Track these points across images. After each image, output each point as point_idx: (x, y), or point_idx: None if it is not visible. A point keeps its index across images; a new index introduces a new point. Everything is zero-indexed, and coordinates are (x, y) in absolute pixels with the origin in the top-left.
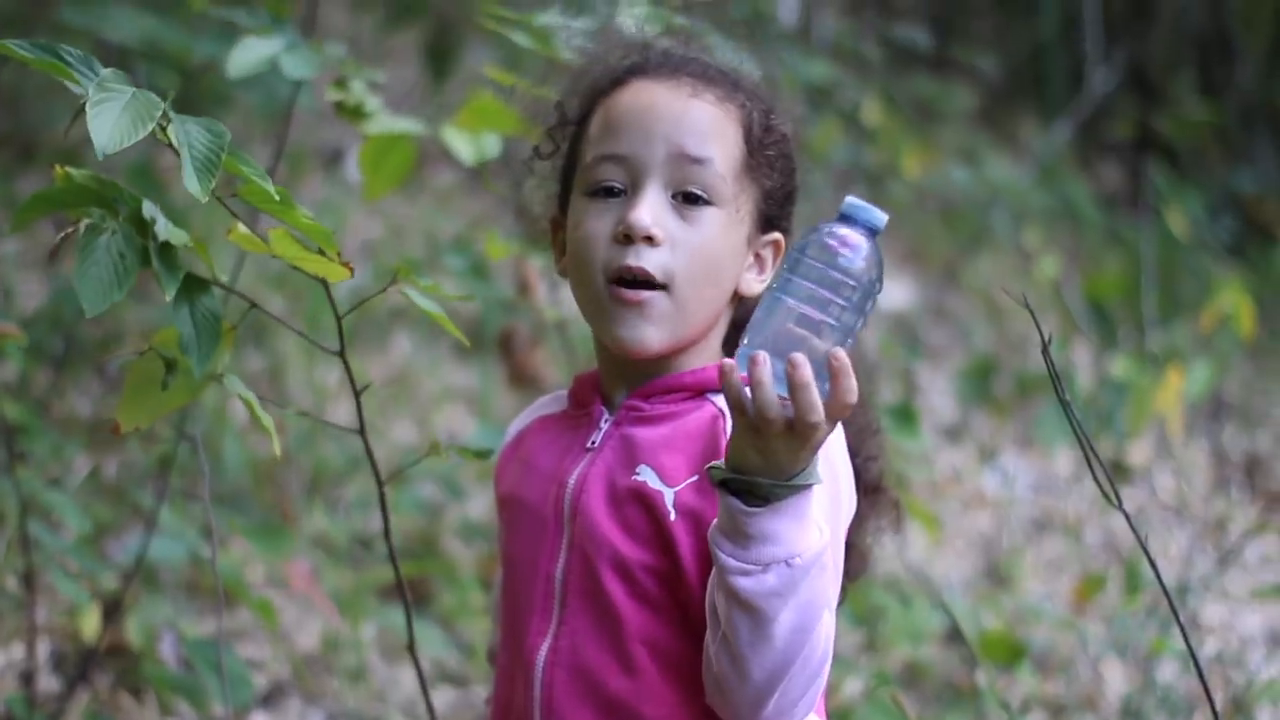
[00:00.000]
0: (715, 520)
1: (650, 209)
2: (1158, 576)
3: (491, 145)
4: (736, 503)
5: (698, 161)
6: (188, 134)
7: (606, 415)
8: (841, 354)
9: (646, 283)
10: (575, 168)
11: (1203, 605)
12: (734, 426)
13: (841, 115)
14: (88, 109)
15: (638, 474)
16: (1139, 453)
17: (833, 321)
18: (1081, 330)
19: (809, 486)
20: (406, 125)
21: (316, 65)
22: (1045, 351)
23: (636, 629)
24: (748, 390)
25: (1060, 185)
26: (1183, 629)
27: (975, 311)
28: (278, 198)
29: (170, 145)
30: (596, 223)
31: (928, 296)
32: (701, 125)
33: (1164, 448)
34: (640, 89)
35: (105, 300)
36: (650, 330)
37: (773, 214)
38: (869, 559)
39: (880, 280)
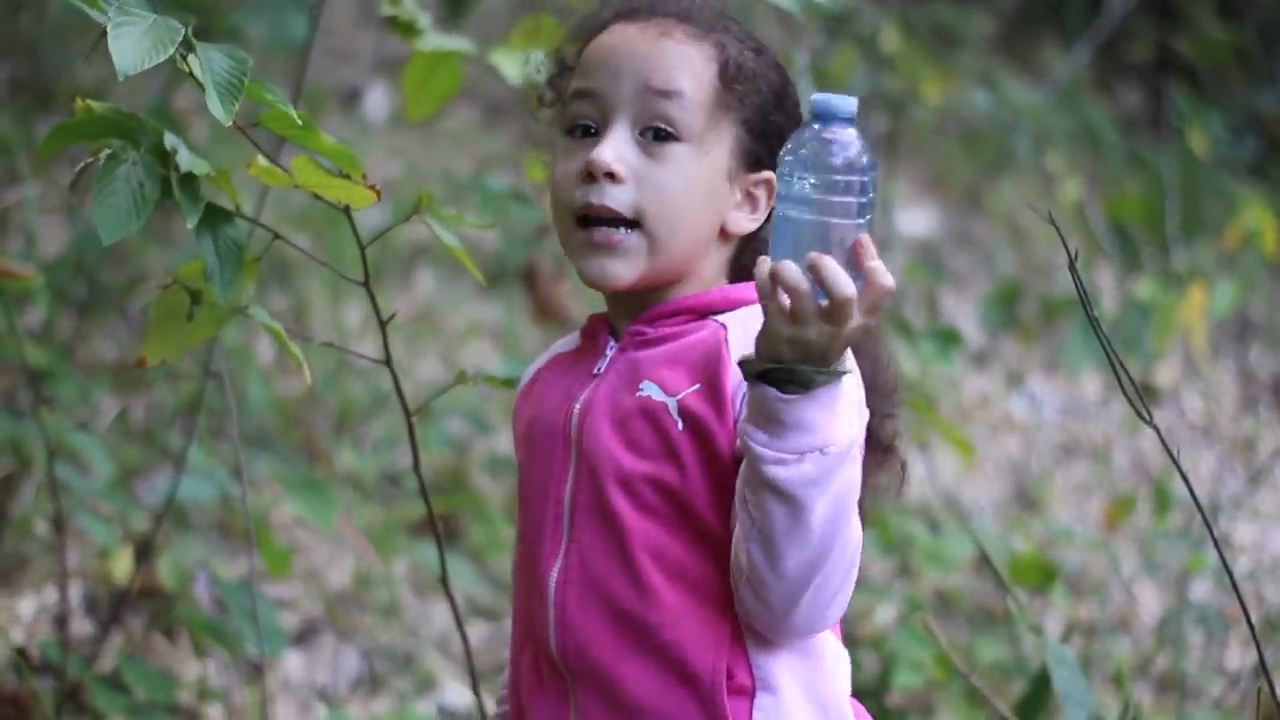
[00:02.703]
0: (745, 414)
1: (613, 146)
2: (1191, 492)
3: (540, 65)
4: (774, 391)
5: (664, 95)
6: (210, 60)
7: (612, 343)
8: (865, 240)
9: (614, 220)
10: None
11: (1234, 525)
12: (766, 319)
13: (860, 42)
14: (109, 31)
15: (641, 389)
16: (1166, 374)
17: (845, 221)
18: (1105, 252)
19: (843, 375)
20: (457, 43)
21: None
22: (1072, 268)
23: (642, 541)
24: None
25: (1080, 108)
26: (1218, 546)
27: (998, 236)
28: (300, 123)
29: (191, 75)
30: (568, 163)
31: (950, 222)
32: (669, 60)
33: (1190, 369)
34: (616, 30)
35: (123, 229)
36: (619, 265)
37: (759, 152)
38: (868, 518)
39: (874, 160)
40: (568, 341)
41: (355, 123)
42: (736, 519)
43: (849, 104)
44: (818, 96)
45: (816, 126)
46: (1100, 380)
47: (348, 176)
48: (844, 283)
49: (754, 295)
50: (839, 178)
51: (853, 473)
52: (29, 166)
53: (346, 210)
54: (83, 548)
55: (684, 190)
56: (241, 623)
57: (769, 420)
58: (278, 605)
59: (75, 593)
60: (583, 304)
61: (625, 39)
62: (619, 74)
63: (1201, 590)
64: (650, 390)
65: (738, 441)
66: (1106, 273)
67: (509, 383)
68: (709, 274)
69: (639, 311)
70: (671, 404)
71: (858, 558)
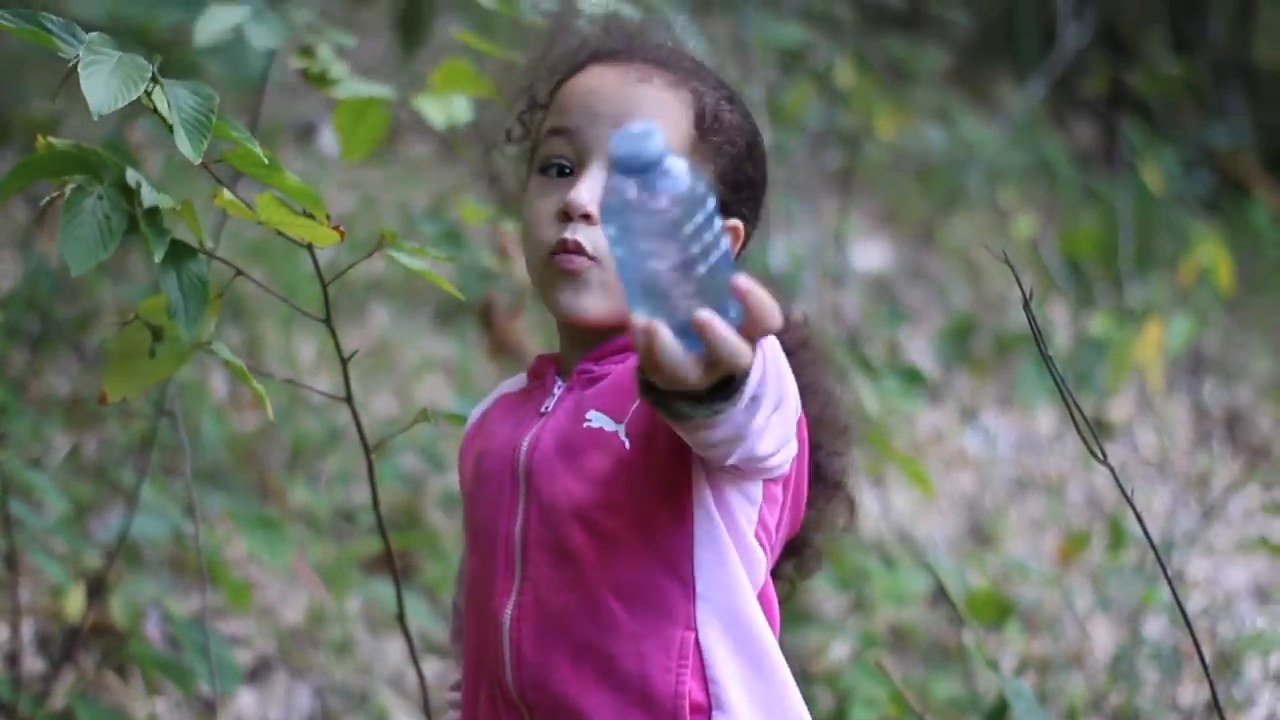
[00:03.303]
0: (668, 416)
1: (588, 189)
2: (1144, 530)
3: (462, 110)
4: (700, 418)
5: None
6: (176, 97)
7: (560, 383)
8: (744, 281)
9: (580, 252)
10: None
11: (1187, 560)
12: (647, 370)
13: (814, 77)
14: (80, 71)
15: (588, 420)
16: (1120, 409)
17: (715, 257)
18: (1059, 288)
19: (747, 374)
20: (375, 90)
21: (283, 33)
22: (1027, 306)
23: (599, 572)
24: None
25: (1034, 143)
26: (1170, 583)
27: (952, 271)
28: (266, 162)
29: (155, 110)
30: (542, 202)
31: (904, 257)
32: (647, 108)
33: (1144, 404)
34: (594, 73)
35: (90, 259)
36: (587, 297)
37: (727, 200)
38: (821, 558)
39: (700, 177)
40: (514, 382)
41: (310, 157)
42: None
43: (652, 149)
44: (615, 145)
45: (625, 179)
46: (1054, 415)
47: (311, 215)
48: (740, 351)
49: None
50: (670, 218)
51: (776, 370)
52: None
53: (310, 248)
54: (34, 585)
55: None
56: (194, 660)
57: (703, 425)
58: (231, 642)
59: (27, 630)
60: (538, 341)
61: (603, 82)
62: (596, 117)
63: (1155, 626)
64: (599, 420)
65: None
66: (1060, 308)
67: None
68: None
69: (589, 346)
70: (620, 430)
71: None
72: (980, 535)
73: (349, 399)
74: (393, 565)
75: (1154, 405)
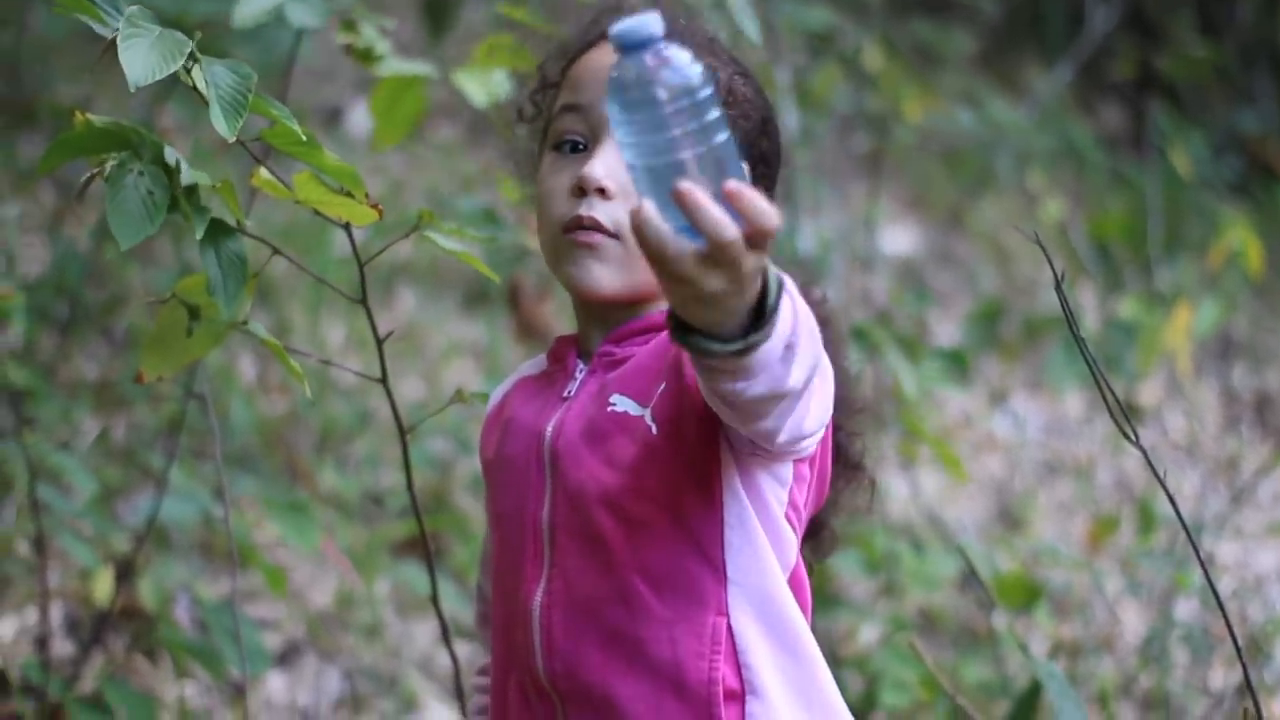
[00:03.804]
0: (700, 369)
1: (604, 162)
2: (1177, 512)
3: (502, 85)
4: (732, 359)
5: None
6: (214, 74)
7: (581, 366)
8: (733, 182)
9: (598, 229)
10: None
11: (1217, 544)
12: (664, 289)
13: (842, 61)
14: (119, 43)
15: (613, 404)
16: (1149, 393)
17: (697, 149)
18: (1087, 271)
19: (775, 320)
20: (416, 68)
21: (324, 13)
22: (1059, 288)
23: (628, 558)
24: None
25: (1062, 127)
26: (1203, 564)
27: (981, 255)
28: (305, 139)
29: (194, 88)
30: (556, 178)
31: (932, 241)
32: None
33: (1174, 388)
34: (606, 49)
35: (139, 233)
36: (602, 270)
37: None
38: (838, 540)
39: (705, 71)
40: (533, 364)
41: (337, 141)
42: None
43: (654, 22)
44: (615, 30)
45: (628, 61)
46: (1083, 399)
47: (349, 194)
48: (722, 224)
49: None
50: (672, 108)
51: (806, 321)
52: (9, 185)
53: (347, 227)
54: (64, 568)
55: None
56: (223, 643)
57: (736, 372)
58: (260, 626)
59: (56, 614)
60: (565, 323)
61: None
62: None
63: (1185, 609)
64: (623, 404)
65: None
66: (1089, 292)
67: None
68: None
69: (610, 329)
70: (646, 414)
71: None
72: (1009, 519)
73: (384, 380)
74: (426, 548)
75: (1183, 389)
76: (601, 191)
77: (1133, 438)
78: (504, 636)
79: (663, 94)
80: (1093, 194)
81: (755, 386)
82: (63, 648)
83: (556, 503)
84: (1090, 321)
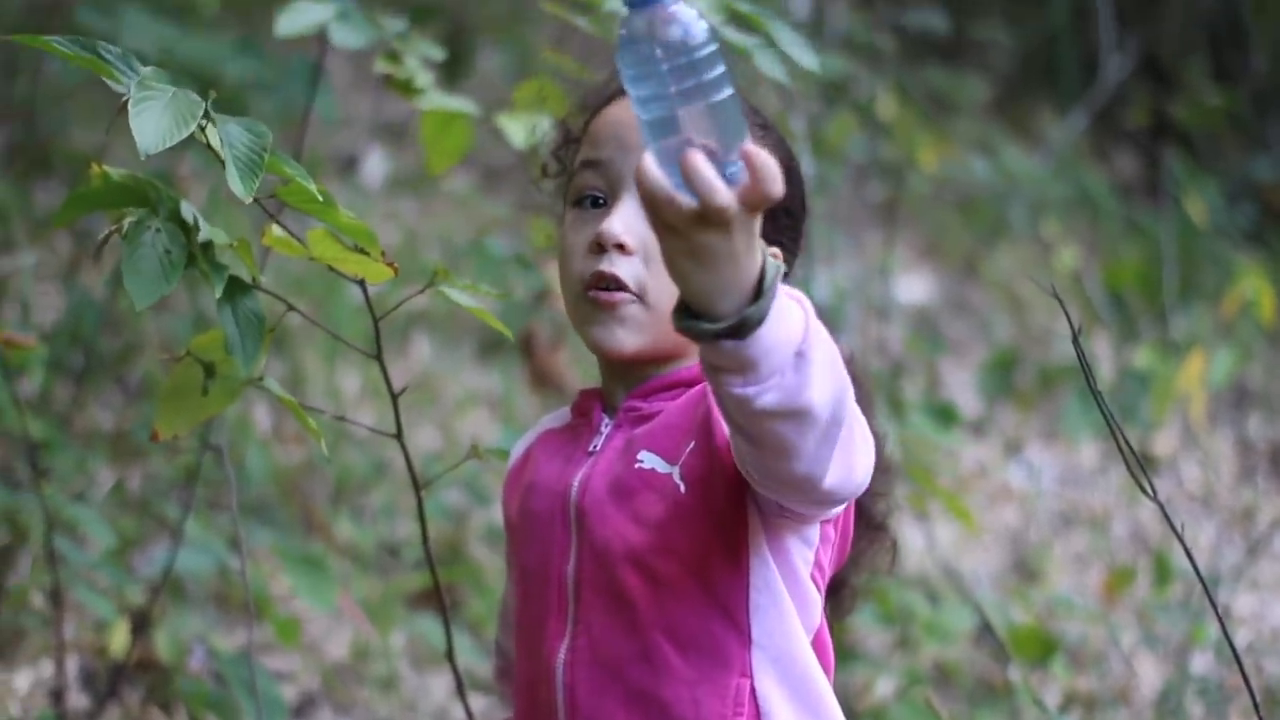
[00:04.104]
0: (706, 369)
1: (622, 218)
2: (1194, 566)
3: (544, 128)
4: (730, 344)
5: None
6: (229, 134)
7: (606, 420)
8: (750, 144)
9: (619, 286)
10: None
11: (1233, 596)
12: (661, 248)
13: (856, 109)
14: (130, 108)
15: (640, 461)
16: (1163, 443)
17: (699, 103)
18: (1102, 320)
19: (774, 293)
20: (459, 104)
21: (368, 36)
22: (1075, 341)
23: (654, 617)
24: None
25: (1077, 175)
26: (1220, 618)
27: (995, 304)
28: (320, 198)
29: (209, 146)
30: (576, 235)
31: (947, 289)
32: None
33: (1188, 438)
34: (625, 104)
35: (155, 293)
36: (623, 333)
37: (767, 230)
38: (858, 599)
39: (708, 29)
40: (557, 417)
41: (352, 187)
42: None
43: None
44: None
45: (641, 13)
46: (1098, 448)
47: (363, 251)
48: (714, 187)
49: None
50: (680, 59)
51: (824, 339)
52: (26, 233)
53: (362, 283)
54: (79, 620)
55: None
56: (240, 695)
57: (736, 367)
58: (276, 678)
59: (72, 666)
60: (580, 373)
61: (633, 114)
62: (628, 146)
63: (1201, 662)
64: (651, 461)
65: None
66: (1103, 341)
67: None
68: None
69: (635, 384)
70: (675, 472)
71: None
72: (1025, 570)
73: (399, 435)
74: (442, 603)
75: (1198, 439)
76: (621, 247)
77: (1150, 492)
78: (527, 693)
79: (662, 50)
80: (1107, 242)
81: (766, 394)
82: (78, 700)
83: (582, 559)
84: (1105, 370)
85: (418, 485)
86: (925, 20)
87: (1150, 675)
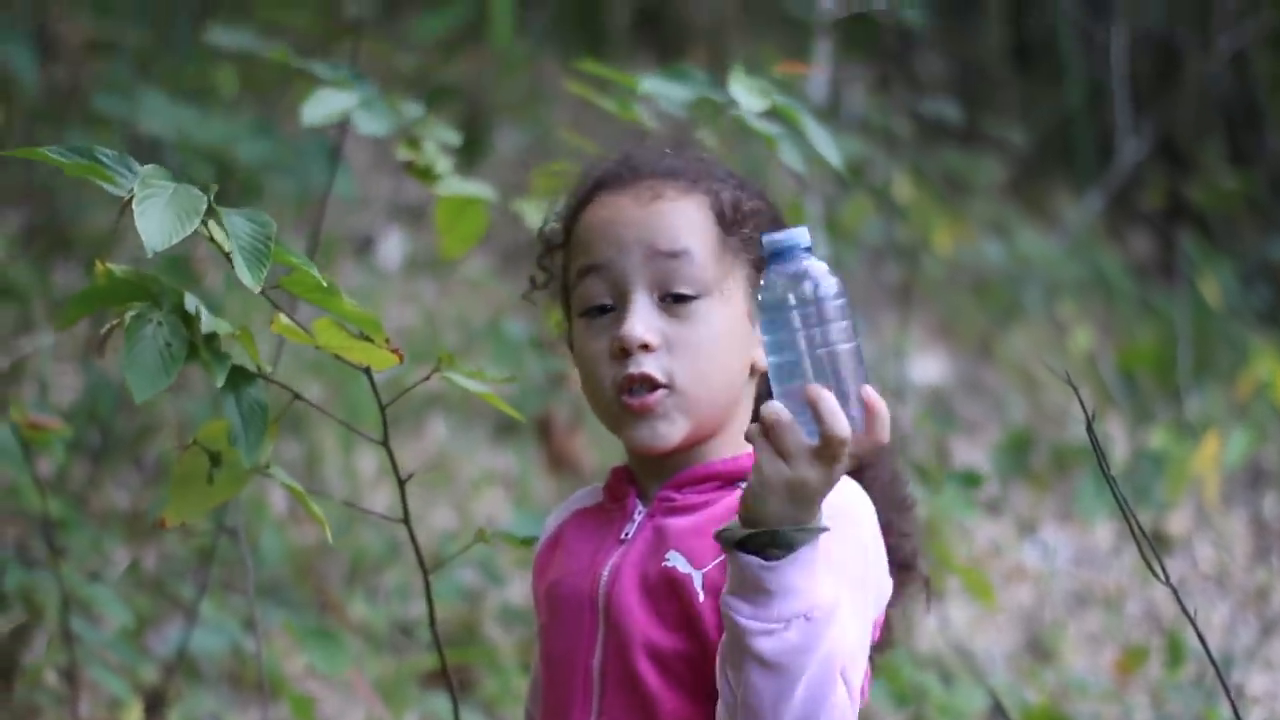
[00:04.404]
0: (726, 586)
1: (640, 319)
2: (1205, 648)
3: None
4: (756, 560)
5: (674, 256)
6: (233, 226)
7: (640, 507)
8: (870, 390)
9: (653, 386)
10: (569, 290)
11: (1247, 676)
12: (755, 466)
13: (873, 192)
14: (134, 207)
15: (667, 560)
16: (1178, 523)
17: (827, 349)
18: (1116, 401)
19: (822, 531)
20: (476, 189)
21: (391, 124)
22: (1089, 428)
23: (671, 714)
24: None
25: (1092, 256)
26: (1231, 698)
27: (1010, 384)
28: (324, 285)
29: (210, 239)
30: (595, 344)
31: (962, 370)
32: (670, 221)
33: (1202, 518)
34: (605, 202)
35: (154, 386)
36: (665, 427)
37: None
38: (894, 633)
39: (841, 285)
40: (588, 494)
41: (369, 269)
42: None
43: (800, 235)
44: (767, 238)
45: (777, 266)
46: (1113, 528)
47: (369, 339)
48: (839, 419)
49: None
50: (803, 311)
51: (838, 635)
52: (43, 314)
53: (367, 371)
54: (94, 699)
55: (715, 345)
56: None
57: (752, 589)
58: None
59: None
60: (598, 455)
61: (619, 209)
62: (623, 246)
63: None
64: (676, 561)
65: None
66: (1118, 421)
67: (526, 541)
68: (742, 422)
69: (670, 471)
70: (697, 577)
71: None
72: (1039, 650)
73: (406, 520)
74: (449, 683)
75: (1212, 519)
76: (645, 347)
77: (1162, 577)
78: None
79: (796, 299)
80: (1122, 323)
81: (764, 638)
82: None
83: (608, 651)
84: (1119, 451)
85: (425, 569)
86: (939, 109)
87: None
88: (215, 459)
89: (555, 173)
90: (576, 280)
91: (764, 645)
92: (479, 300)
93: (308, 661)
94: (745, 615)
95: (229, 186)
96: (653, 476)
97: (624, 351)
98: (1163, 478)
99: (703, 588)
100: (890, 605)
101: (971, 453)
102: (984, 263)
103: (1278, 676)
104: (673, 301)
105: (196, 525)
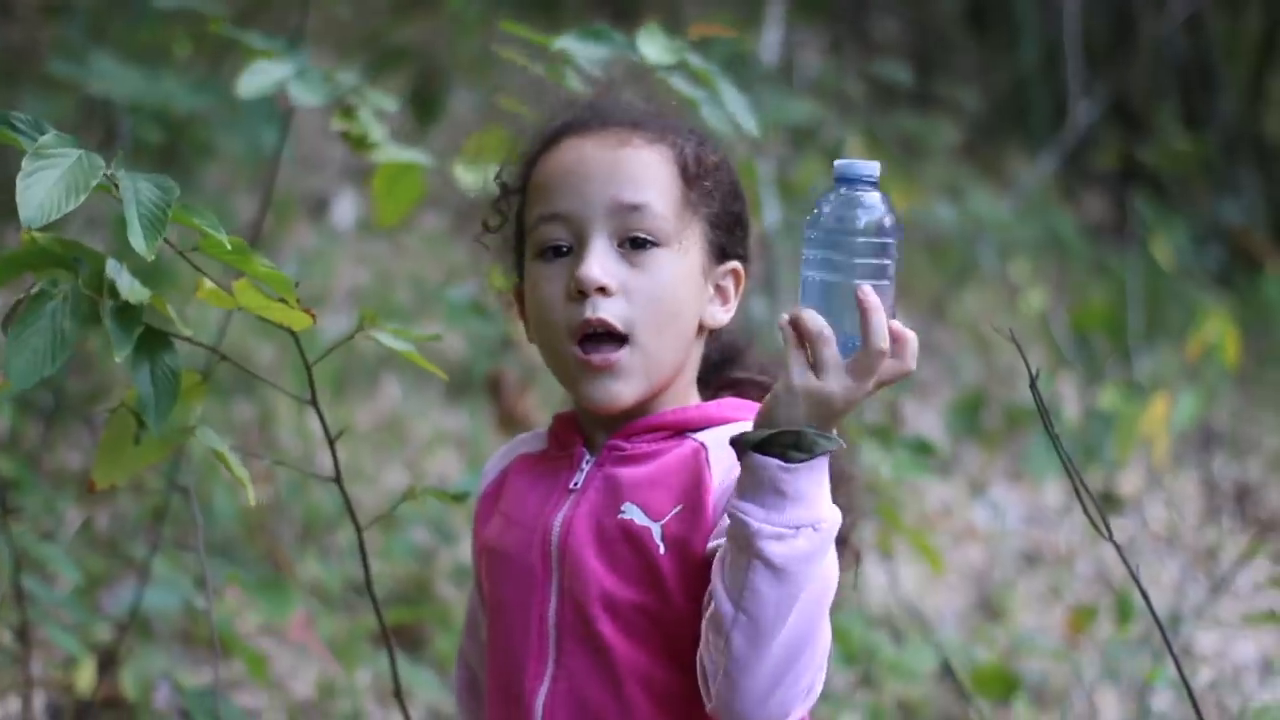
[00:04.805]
0: (736, 490)
1: (598, 260)
2: (1149, 606)
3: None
4: (776, 462)
5: (636, 208)
6: (136, 191)
7: (588, 456)
8: (898, 325)
9: (609, 335)
10: (524, 235)
11: (1196, 633)
12: (785, 374)
13: (825, 154)
14: (21, 180)
15: (623, 512)
16: (1128, 483)
17: (868, 282)
18: (1068, 361)
19: (839, 446)
20: (413, 155)
21: (326, 94)
22: (1034, 386)
23: (630, 668)
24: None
25: (1046, 217)
26: (1175, 658)
27: (963, 345)
28: (230, 248)
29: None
30: (550, 285)
31: (915, 331)
32: (634, 170)
33: (1154, 478)
34: (569, 146)
35: (36, 374)
36: (621, 387)
37: (724, 243)
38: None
39: (899, 224)
40: (532, 439)
41: (324, 230)
42: (706, 615)
43: (871, 167)
44: (840, 161)
45: (841, 190)
46: (1063, 487)
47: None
48: (884, 332)
49: (731, 414)
50: (862, 240)
51: (834, 559)
52: None
53: (291, 331)
54: (46, 658)
55: (672, 294)
56: None
57: (768, 492)
58: (243, 714)
59: (39, 703)
60: (548, 414)
61: (582, 155)
62: (585, 192)
63: (1163, 700)
64: (633, 514)
65: (710, 542)
66: (1069, 381)
67: (459, 497)
68: (689, 377)
69: (618, 422)
70: (655, 529)
71: (828, 646)
72: (989, 609)
73: (338, 479)
74: (388, 642)
75: (1162, 479)
76: (602, 290)
77: (1105, 533)
78: None
79: (862, 226)
80: (1075, 283)
81: (774, 541)
82: None
83: (563, 603)
84: (1070, 411)
85: (359, 526)
86: (890, 72)
87: (1112, 713)
88: (141, 421)
89: (490, 137)
90: (535, 224)
91: (774, 549)
92: (432, 260)
93: (260, 620)
94: (758, 518)
95: (180, 147)
96: (600, 426)
97: (580, 294)
98: (1113, 437)
99: (662, 539)
100: None
101: (924, 413)
102: (938, 224)
103: (1226, 635)
104: (631, 248)
105: (149, 484)
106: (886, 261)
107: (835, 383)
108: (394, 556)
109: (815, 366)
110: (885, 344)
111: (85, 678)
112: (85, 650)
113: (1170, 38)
